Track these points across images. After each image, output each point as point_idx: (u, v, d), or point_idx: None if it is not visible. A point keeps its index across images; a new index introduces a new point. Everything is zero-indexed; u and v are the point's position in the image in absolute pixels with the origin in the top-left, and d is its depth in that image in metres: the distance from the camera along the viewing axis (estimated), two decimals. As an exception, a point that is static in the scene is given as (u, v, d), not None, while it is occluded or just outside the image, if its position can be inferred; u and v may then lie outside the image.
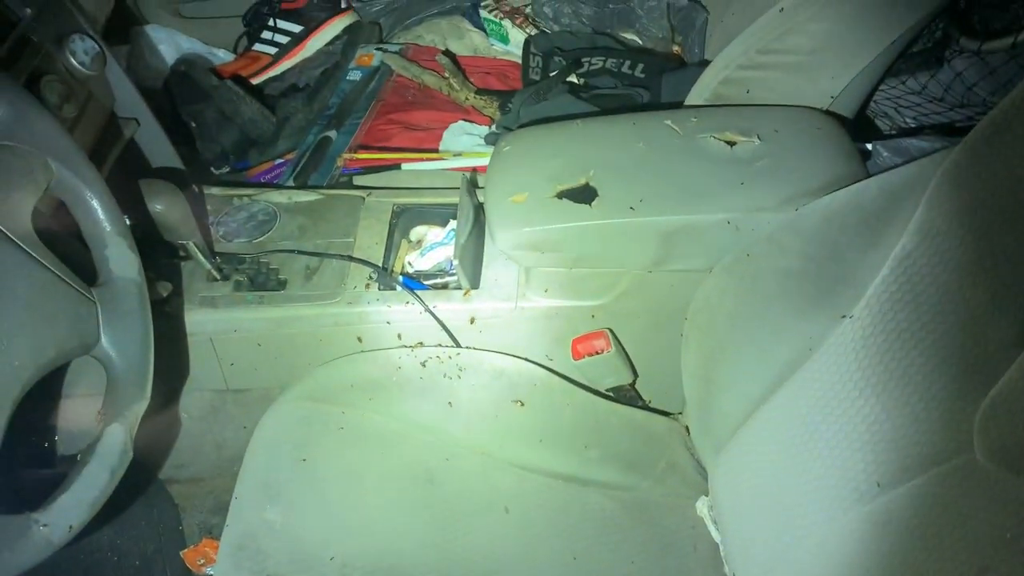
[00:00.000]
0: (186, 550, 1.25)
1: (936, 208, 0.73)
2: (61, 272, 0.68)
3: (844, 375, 0.76)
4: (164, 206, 0.95)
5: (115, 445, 0.70)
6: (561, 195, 0.95)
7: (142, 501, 1.27)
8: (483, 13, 1.58)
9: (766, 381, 0.84)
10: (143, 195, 0.93)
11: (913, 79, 1.18)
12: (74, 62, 0.98)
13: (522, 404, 1.03)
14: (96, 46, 1.02)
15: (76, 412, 1.01)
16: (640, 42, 1.47)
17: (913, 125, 1.20)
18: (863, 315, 0.76)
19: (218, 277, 1.08)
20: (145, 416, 0.81)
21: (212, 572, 1.23)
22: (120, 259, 0.74)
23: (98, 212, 0.73)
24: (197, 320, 1.06)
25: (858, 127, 1.09)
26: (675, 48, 1.43)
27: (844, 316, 0.78)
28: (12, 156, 0.68)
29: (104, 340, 0.71)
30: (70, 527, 0.65)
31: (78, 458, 0.69)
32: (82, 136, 0.94)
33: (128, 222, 0.79)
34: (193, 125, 1.54)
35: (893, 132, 1.22)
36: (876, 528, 0.68)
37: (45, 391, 1.00)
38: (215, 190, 1.22)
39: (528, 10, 1.56)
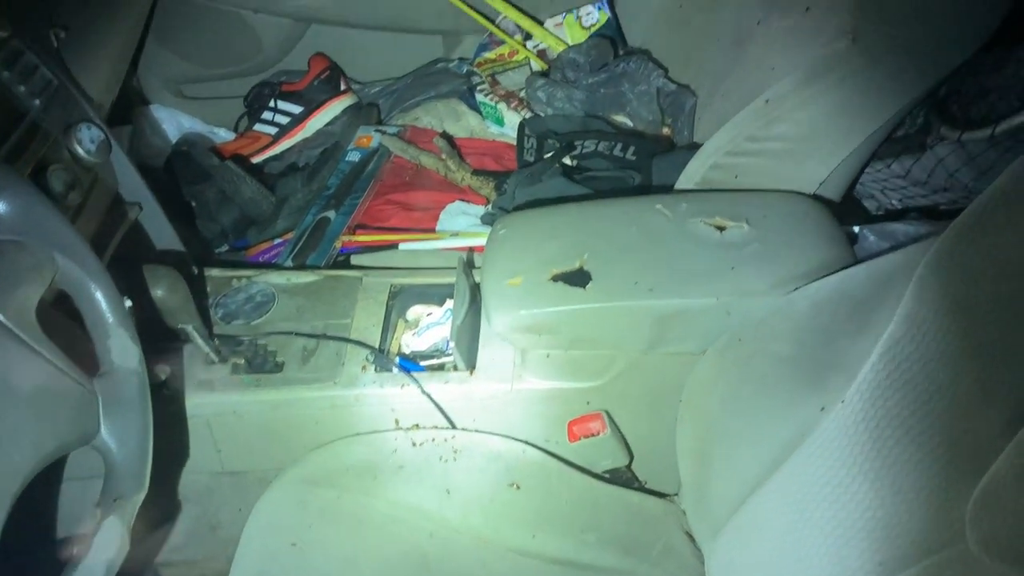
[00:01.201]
0: (178, 636, 1.23)
1: (921, 297, 0.74)
2: (63, 365, 0.69)
3: (837, 461, 0.76)
4: (165, 291, 0.96)
5: (112, 538, 0.69)
6: (556, 278, 0.97)
7: (134, 585, 1.26)
8: (479, 96, 1.63)
9: (761, 466, 0.84)
10: (145, 281, 0.95)
11: (898, 163, 1.22)
12: (80, 150, 1.01)
13: (518, 487, 1.03)
14: (101, 133, 1.04)
15: (74, 501, 1.01)
16: (631, 125, 1.50)
17: (899, 207, 1.24)
18: (854, 401, 0.77)
19: (216, 360, 1.09)
20: (146, 500, 0.81)
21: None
22: (122, 349, 0.75)
23: (101, 303, 0.75)
24: (194, 403, 1.06)
25: (845, 210, 1.12)
26: (665, 130, 1.47)
27: (836, 402, 0.79)
28: (19, 251, 0.69)
29: (104, 431, 0.72)
30: (65, 625, 0.65)
31: (75, 552, 0.68)
32: (86, 223, 0.96)
33: (129, 305, 0.81)
34: (194, 204, 1.57)
35: (880, 213, 1.25)
36: (874, 618, 0.68)
37: (43, 476, 0.99)
38: (215, 271, 1.23)
39: (522, 94, 1.60)
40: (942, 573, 0.65)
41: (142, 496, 0.75)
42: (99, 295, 0.74)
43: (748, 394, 0.90)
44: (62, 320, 0.83)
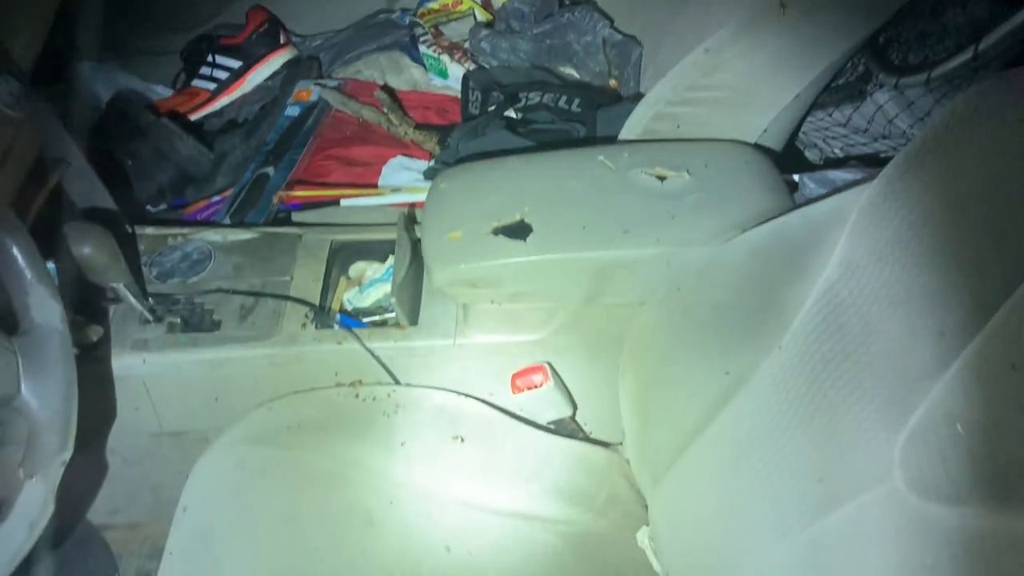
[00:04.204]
0: (122, 599, 1.21)
1: (856, 241, 0.75)
2: (-23, 322, 0.67)
3: (772, 407, 0.77)
4: (91, 249, 0.93)
5: (35, 500, 0.68)
6: (496, 231, 0.96)
7: (77, 548, 1.24)
8: (422, 48, 1.59)
9: (699, 414, 0.85)
10: (68, 240, 0.91)
11: (838, 111, 1.22)
12: (-4, 104, 0.96)
13: (462, 440, 1.02)
14: (20, 86, 1.00)
15: None
16: (578, 76, 1.49)
17: (840, 155, 1.24)
18: (790, 346, 0.78)
19: (151, 319, 1.06)
20: (78, 461, 0.79)
21: (149, 621, 1.20)
22: (41, 307, 0.72)
23: (18, 259, 0.72)
24: (129, 363, 1.04)
25: (787, 159, 1.12)
26: (612, 82, 1.46)
27: (772, 348, 0.79)
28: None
29: (24, 391, 0.69)
30: (-12, 584, 0.63)
31: (-3, 513, 0.67)
32: (7, 181, 0.92)
33: (55, 267, 0.78)
34: (129, 163, 1.52)
35: (821, 162, 1.26)
36: (808, 557, 0.69)
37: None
38: (149, 230, 1.20)
39: (467, 45, 1.57)
40: (872, 511, 0.66)
41: (67, 456, 0.73)
42: (15, 251, 0.71)
43: (687, 343, 0.91)
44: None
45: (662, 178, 0.99)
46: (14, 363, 0.70)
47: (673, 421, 0.90)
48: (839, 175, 1.08)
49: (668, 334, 0.93)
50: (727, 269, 0.88)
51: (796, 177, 1.12)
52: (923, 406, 0.63)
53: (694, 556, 0.86)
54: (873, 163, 1.17)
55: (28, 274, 0.72)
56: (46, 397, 0.70)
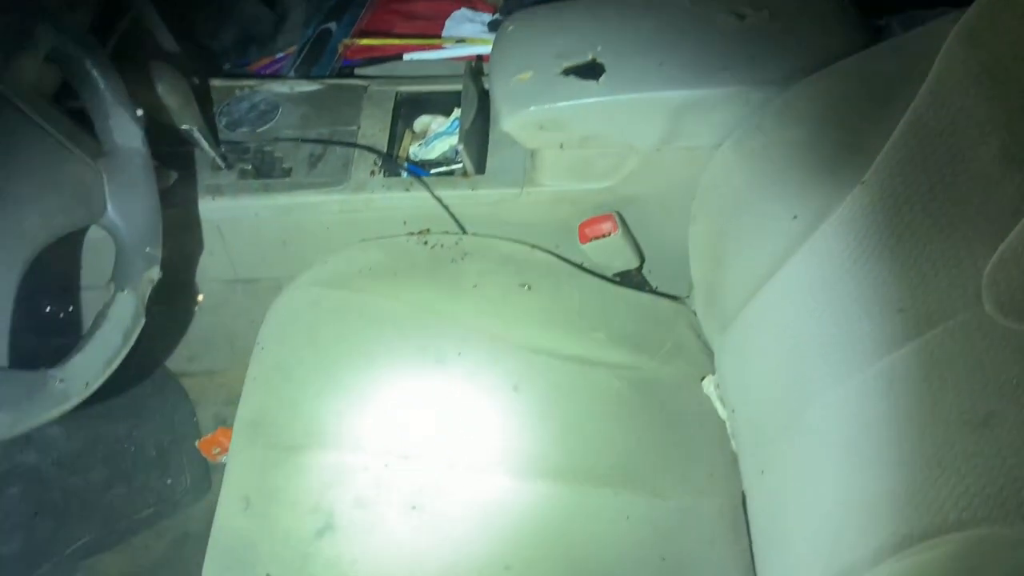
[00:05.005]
0: (201, 440, 1.27)
1: (949, 69, 0.71)
2: (66, 140, 0.68)
3: (852, 242, 0.76)
4: (165, 89, 0.94)
5: (127, 309, 0.70)
6: (567, 72, 0.94)
7: (156, 395, 1.30)
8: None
9: (774, 254, 0.84)
10: (146, 78, 0.92)
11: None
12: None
13: (529, 288, 1.03)
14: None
15: (90, 283, 1.02)
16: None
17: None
18: (873, 181, 0.76)
19: (223, 166, 1.08)
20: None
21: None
22: (123, 129, 0.74)
23: (99, 82, 0.72)
24: (204, 208, 1.06)
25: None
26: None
27: (854, 184, 0.77)
28: (9, 21, 0.66)
29: (111, 209, 0.71)
30: (86, 384, 0.66)
31: (91, 324, 0.69)
32: (85, 8, 0.92)
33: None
34: (193, 23, 1.51)
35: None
36: (883, 386, 0.69)
37: (63, 270, 1.00)
38: (216, 81, 1.20)
39: None
40: (954, 337, 0.65)
41: (156, 272, 0.75)
42: (96, 73, 0.72)
43: (763, 185, 0.88)
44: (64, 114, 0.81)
45: (742, 16, 0.95)
46: (100, 182, 0.71)
47: (745, 265, 0.89)
48: (929, 14, 1.02)
49: (743, 176, 0.90)
50: (808, 106, 0.85)
51: (883, 21, 1.06)
52: (1013, 232, 0.61)
53: (762, 397, 0.86)
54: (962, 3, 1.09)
55: (109, 96, 0.73)
56: (131, 214, 0.72)
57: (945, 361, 0.65)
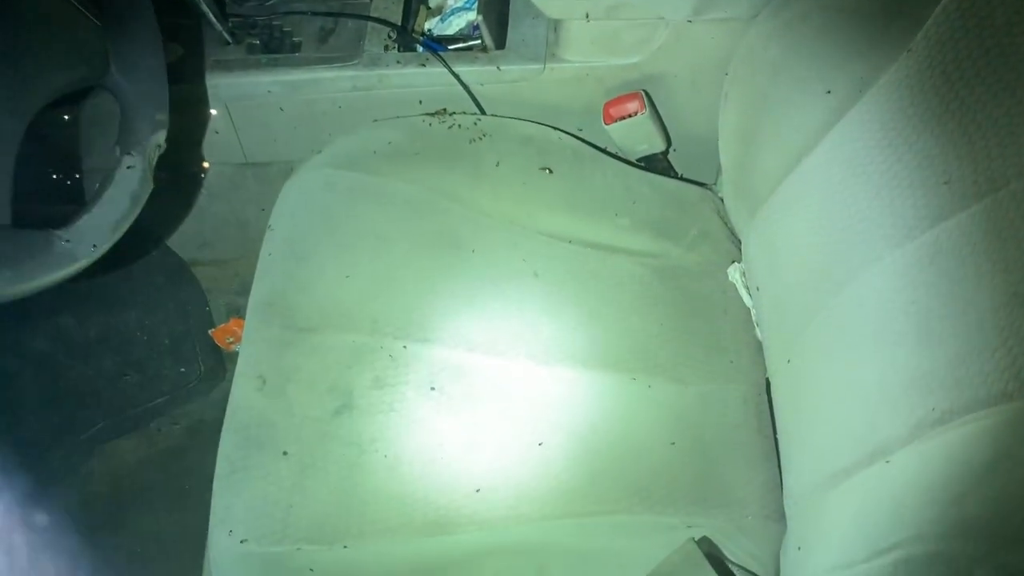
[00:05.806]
0: (214, 329, 1.26)
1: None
2: (66, -8, 0.63)
3: (897, 112, 0.71)
4: (168, -49, 0.88)
5: (134, 172, 0.67)
6: (595, -69, 0.88)
7: (169, 283, 1.28)
8: None
9: (811, 129, 0.79)
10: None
11: None
12: None
13: (550, 171, 0.99)
14: None
15: (96, 147, 0.98)
16: None
17: None
18: (920, 48, 0.71)
19: (230, 41, 1.03)
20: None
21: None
22: (125, -17, 0.69)
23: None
24: (211, 84, 1.02)
25: None
26: None
27: (900, 52, 0.72)
28: None
29: (114, 69, 0.67)
30: (93, 246, 0.64)
31: (97, 187, 0.66)
32: None
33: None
34: None
35: None
36: (926, 260, 0.66)
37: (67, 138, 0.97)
38: (222, -48, 1.14)
39: None
40: (1004, 207, 0.62)
41: (161, 140, 0.72)
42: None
43: (801, 55, 0.83)
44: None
45: None
46: (102, 40, 0.67)
47: (779, 142, 0.84)
48: None
49: (780, 48, 0.85)
50: (854, -31, 0.79)
51: None
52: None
53: (791, 282, 0.83)
54: None
55: (108, -54, 0.68)
56: (136, 75, 0.68)
57: (994, 232, 0.62)
